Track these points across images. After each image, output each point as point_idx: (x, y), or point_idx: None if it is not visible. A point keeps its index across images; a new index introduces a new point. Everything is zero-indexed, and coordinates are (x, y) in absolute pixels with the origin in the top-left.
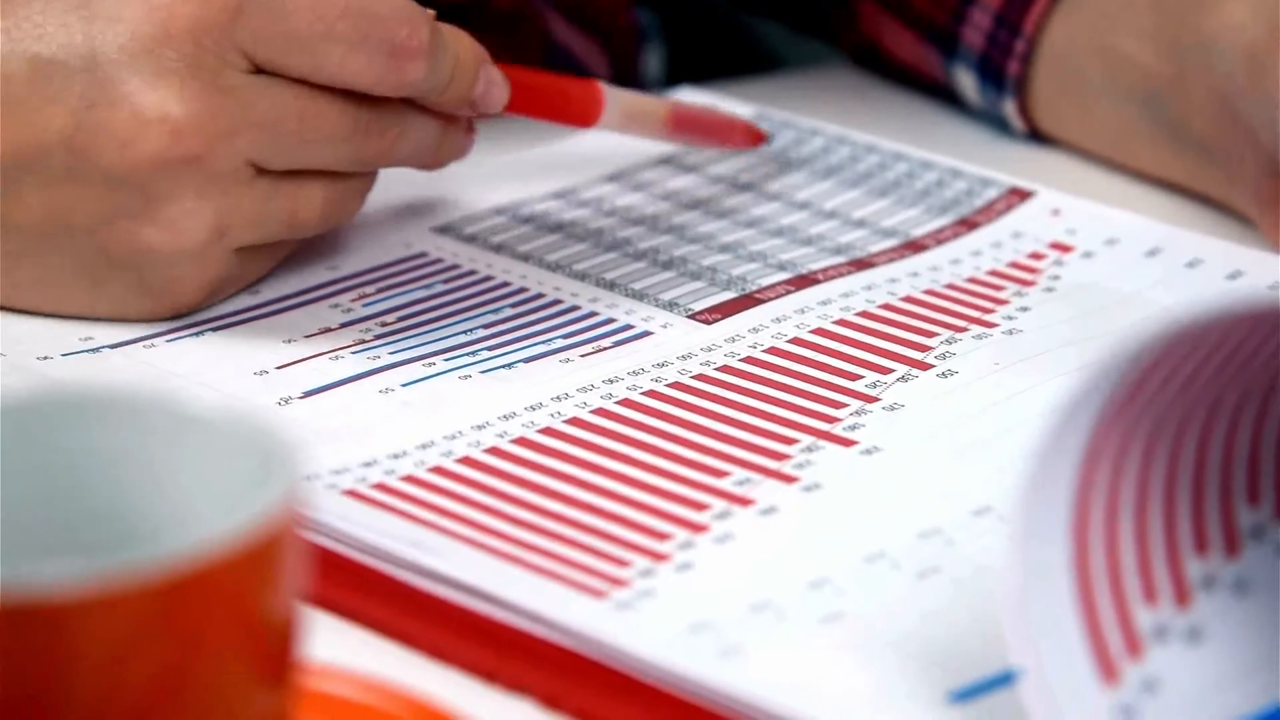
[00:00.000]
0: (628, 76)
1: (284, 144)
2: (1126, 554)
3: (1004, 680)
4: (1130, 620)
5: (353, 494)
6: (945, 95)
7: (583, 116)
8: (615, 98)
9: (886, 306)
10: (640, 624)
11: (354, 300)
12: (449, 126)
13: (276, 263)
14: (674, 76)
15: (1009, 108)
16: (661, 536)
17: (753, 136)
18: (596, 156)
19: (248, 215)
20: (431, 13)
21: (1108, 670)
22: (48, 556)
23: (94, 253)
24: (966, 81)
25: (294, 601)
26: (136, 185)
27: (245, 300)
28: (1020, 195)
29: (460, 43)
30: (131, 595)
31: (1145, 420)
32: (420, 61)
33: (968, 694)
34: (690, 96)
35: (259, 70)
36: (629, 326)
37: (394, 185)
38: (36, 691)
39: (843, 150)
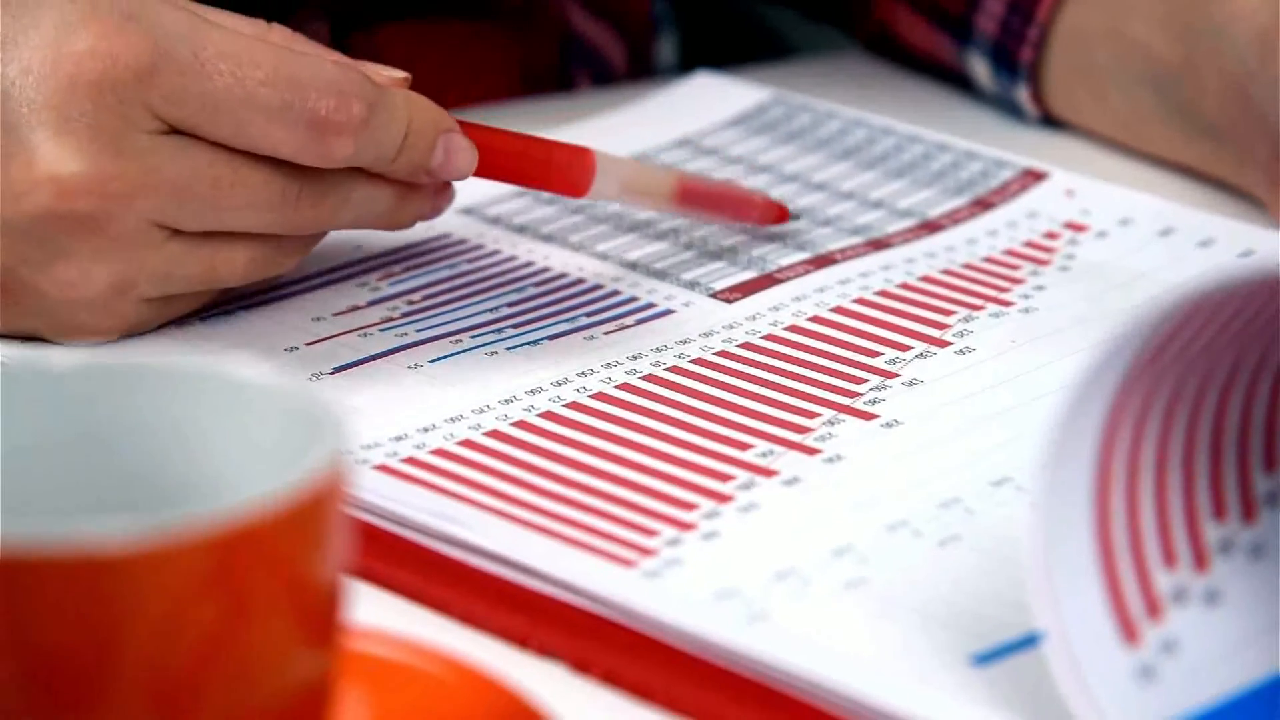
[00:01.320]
0: (642, 64)
1: (196, 209)
2: (1146, 518)
3: (1025, 644)
4: (1150, 582)
5: (384, 469)
6: (959, 81)
7: (570, 186)
8: (612, 168)
9: (905, 286)
10: (668, 591)
11: (380, 279)
12: (408, 192)
13: (202, 304)
14: (688, 63)
15: (1022, 94)
16: (687, 506)
17: (775, 212)
18: (616, 140)
19: (155, 273)
20: (386, 81)
21: (1128, 631)
22: (102, 516)
23: (2, 293)
24: (980, 68)
25: (339, 565)
26: (34, 239)
27: None
28: (1035, 176)
29: (417, 111)
30: (184, 550)
31: (1164, 387)
32: (347, 137)
33: (989, 657)
34: (707, 80)
35: (175, 130)
36: (651, 305)
37: None
38: (92, 645)
39: (859, 133)
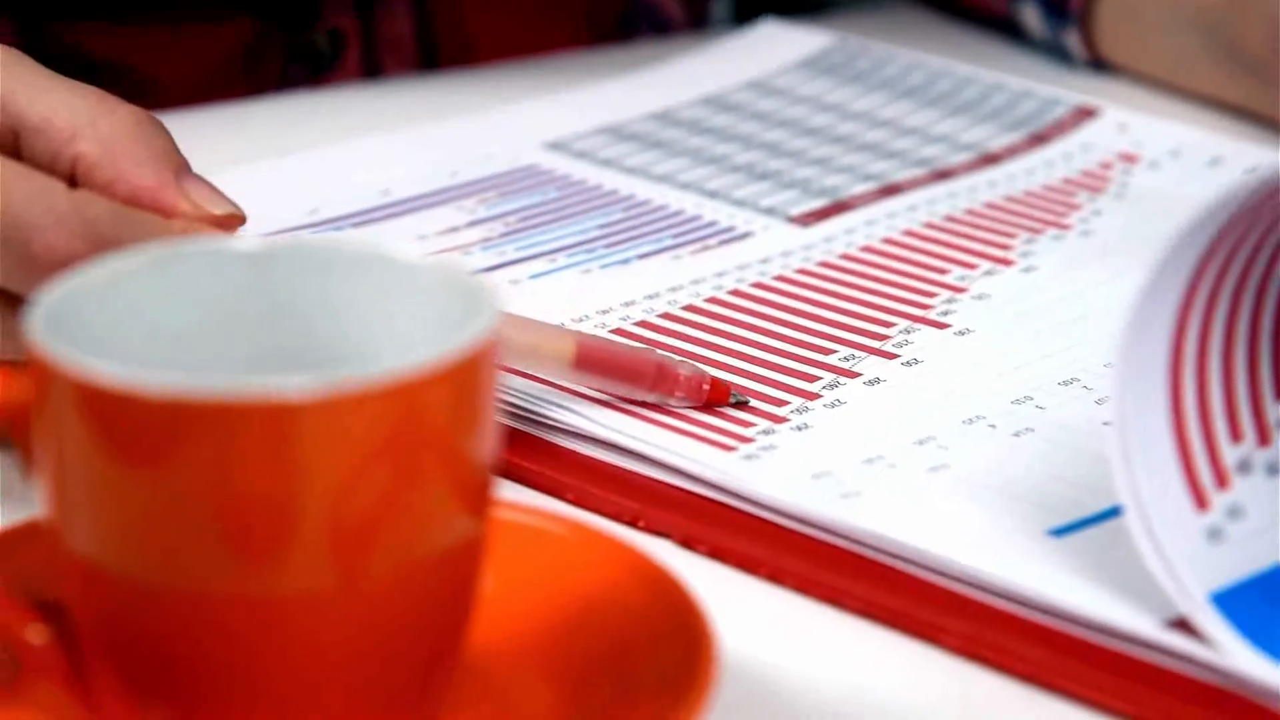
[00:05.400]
0: (699, 18)
1: None
2: (1215, 397)
3: (1096, 519)
4: (1218, 455)
5: None
6: (1007, 28)
7: None
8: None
9: (969, 211)
10: (767, 472)
11: (477, 203)
12: None
13: None
14: (741, 17)
15: (1072, 38)
16: (779, 403)
17: (712, 391)
18: (689, 84)
19: None
20: (204, 216)
21: (1199, 498)
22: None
23: None
24: (1030, 15)
25: (491, 438)
26: None
27: (376, 199)
28: (1087, 113)
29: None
30: (362, 400)
31: (1232, 274)
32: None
33: (1064, 530)
34: (772, 27)
35: None
36: (732, 228)
37: (497, 101)
38: (280, 493)
39: (918, 74)
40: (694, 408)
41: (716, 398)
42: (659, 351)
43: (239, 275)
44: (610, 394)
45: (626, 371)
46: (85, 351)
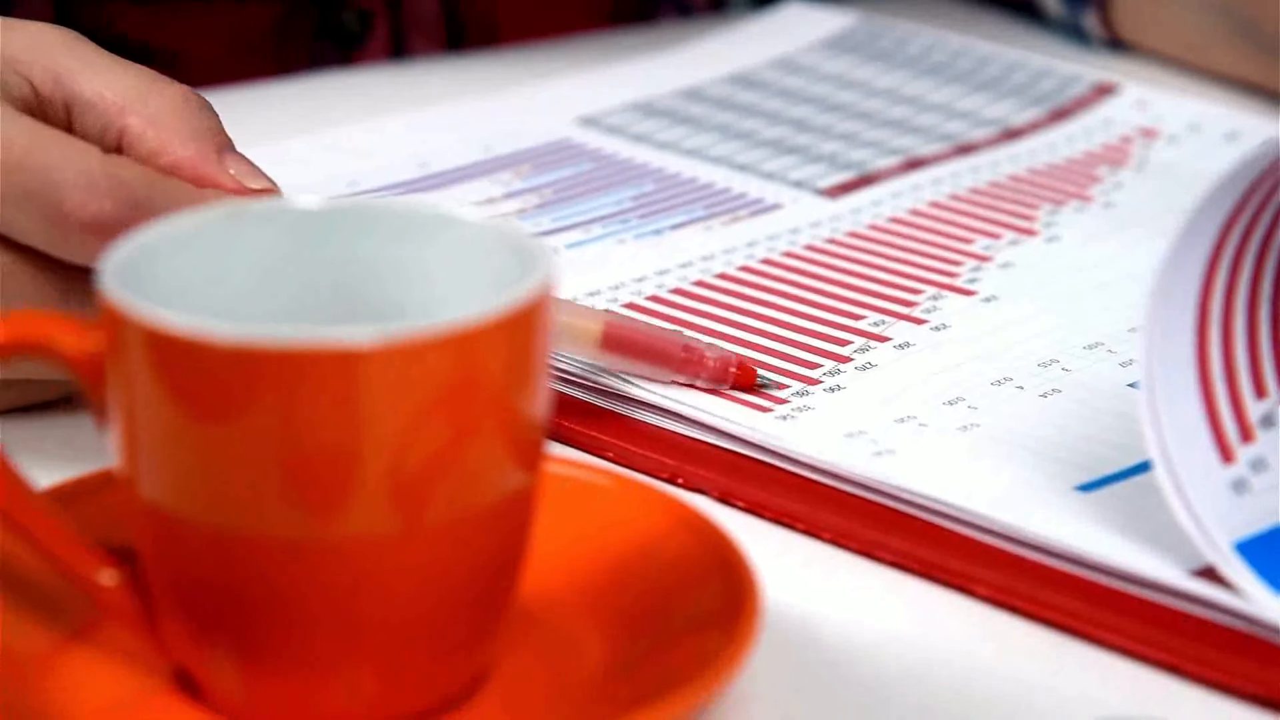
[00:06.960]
0: (718, 1)
1: None
2: (1240, 355)
3: (1123, 475)
4: (1243, 410)
5: None
6: (1024, 9)
7: None
8: None
9: (993, 184)
10: (802, 431)
11: (512, 176)
12: None
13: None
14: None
15: (1090, 18)
16: (811, 366)
17: (738, 373)
18: (715, 59)
19: None
20: (238, 189)
21: (1224, 452)
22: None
23: None
24: None
25: (543, 390)
26: None
27: (414, 172)
28: (1106, 89)
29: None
30: (417, 350)
31: (1256, 234)
32: (92, 236)
33: (1092, 486)
34: (797, 8)
35: None
36: (761, 199)
37: (525, 80)
38: (343, 441)
39: (940, 53)
40: (720, 391)
41: (743, 380)
42: (686, 333)
43: (302, 233)
44: (637, 375)
45: (653, 353)
46: (155, 305)
